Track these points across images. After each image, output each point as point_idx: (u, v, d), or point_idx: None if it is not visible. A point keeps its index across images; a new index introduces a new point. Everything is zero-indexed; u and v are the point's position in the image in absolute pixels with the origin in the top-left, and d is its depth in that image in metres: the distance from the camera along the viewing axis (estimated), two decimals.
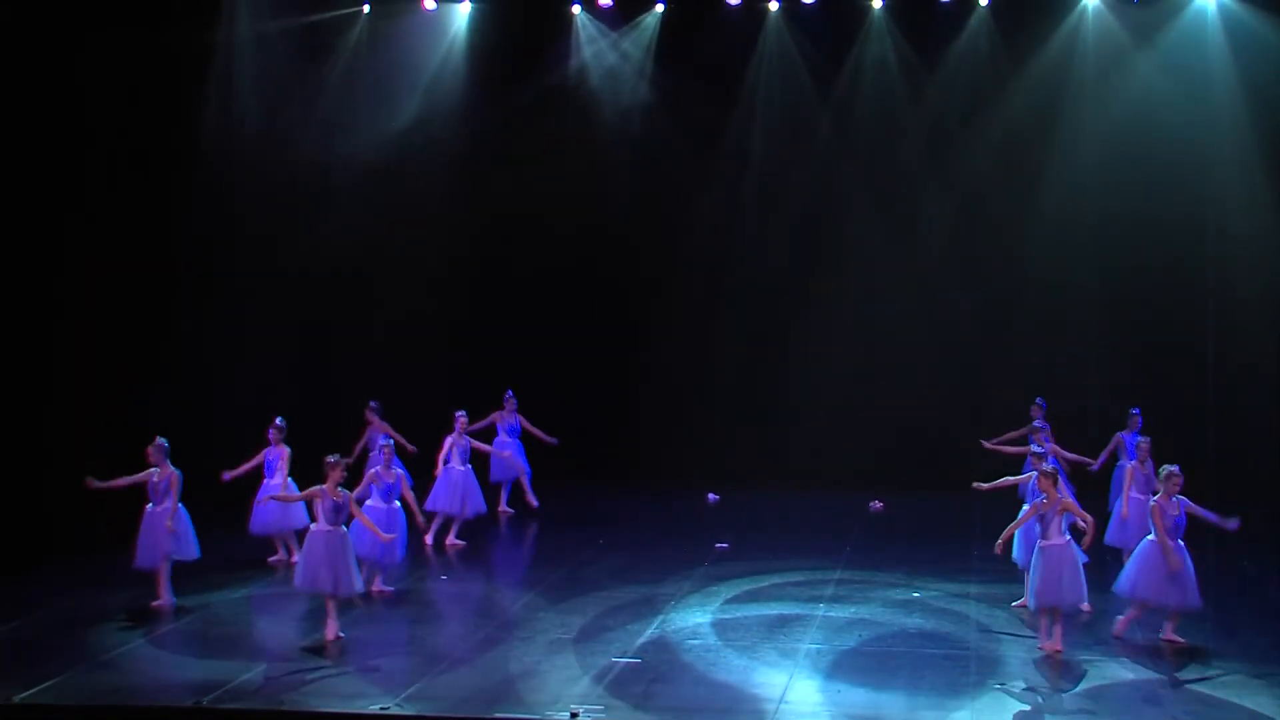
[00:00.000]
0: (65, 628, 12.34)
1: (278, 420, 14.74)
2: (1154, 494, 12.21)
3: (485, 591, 14.38)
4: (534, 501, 17.56)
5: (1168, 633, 11.92)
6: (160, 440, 13.18)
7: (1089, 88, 19.01)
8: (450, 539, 15.89)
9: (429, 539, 15.70)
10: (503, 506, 17.61)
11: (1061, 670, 11.24)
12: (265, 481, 14.66)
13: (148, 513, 13.13)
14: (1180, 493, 11.83)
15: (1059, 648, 11.58)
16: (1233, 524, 12.05)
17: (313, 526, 12.27)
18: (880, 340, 19.65)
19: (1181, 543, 11.80)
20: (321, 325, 19.21)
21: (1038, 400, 16.46)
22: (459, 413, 16.07)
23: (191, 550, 13.29)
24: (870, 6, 19.31)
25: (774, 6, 19.56)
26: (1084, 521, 11.61)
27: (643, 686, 10.76)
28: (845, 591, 13.71)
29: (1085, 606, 12.22)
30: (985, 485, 12.96)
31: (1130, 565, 12.09)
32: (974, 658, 11.53)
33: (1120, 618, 12.15)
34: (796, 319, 19.93)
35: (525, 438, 17.68)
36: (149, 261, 17.12)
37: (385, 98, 19.66)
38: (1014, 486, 13.26)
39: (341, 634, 11.99)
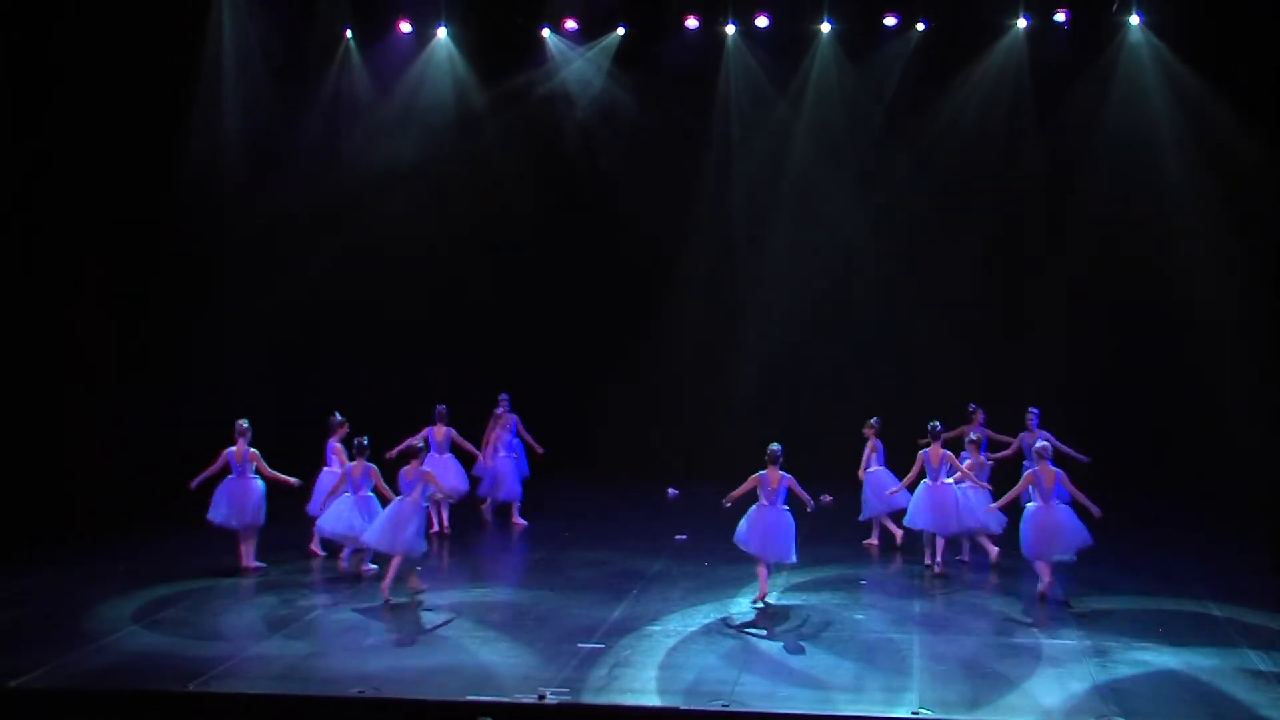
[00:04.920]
0: (57, 614, 12.64)
1: (241, 423, 14.33)
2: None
3: (455, 580, 14.67)
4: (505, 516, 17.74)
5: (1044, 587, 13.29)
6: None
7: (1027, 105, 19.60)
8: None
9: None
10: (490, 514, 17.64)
11: (1006, 652, 11.79)
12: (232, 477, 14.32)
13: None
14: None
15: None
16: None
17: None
18: (836, 337, 19.99)
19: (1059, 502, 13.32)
20: (309, 329, 19.68)
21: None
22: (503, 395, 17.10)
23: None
24: (819, 31, 19.81)
25: (730, 30, 20.02)
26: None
27: (607, 670, 11.17)
28: (798, 580, 14.16)
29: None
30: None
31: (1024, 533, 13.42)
32: (916, 642, 12.03)
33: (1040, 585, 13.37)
34: (747, 315, 20.48)
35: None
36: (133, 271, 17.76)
37: (367, 117, 20.21)
38: None
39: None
